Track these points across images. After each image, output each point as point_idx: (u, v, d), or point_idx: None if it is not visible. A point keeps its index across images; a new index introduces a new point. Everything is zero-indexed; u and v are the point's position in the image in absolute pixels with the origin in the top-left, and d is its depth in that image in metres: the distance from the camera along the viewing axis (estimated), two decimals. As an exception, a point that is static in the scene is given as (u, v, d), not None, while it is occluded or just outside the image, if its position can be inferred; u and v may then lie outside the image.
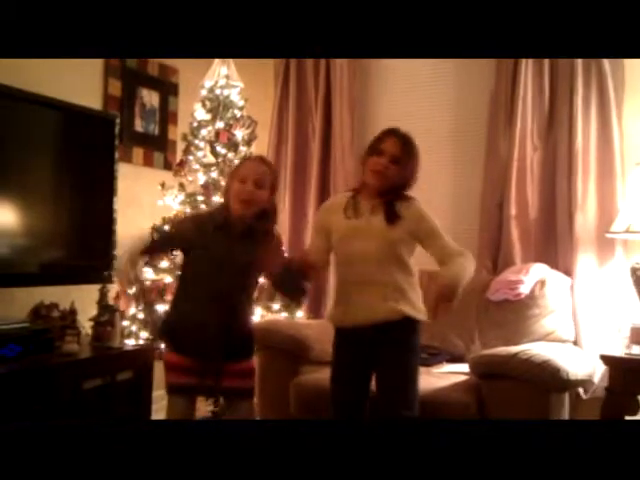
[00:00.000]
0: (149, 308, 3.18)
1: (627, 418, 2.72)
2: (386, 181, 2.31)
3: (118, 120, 3.33)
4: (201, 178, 3.55)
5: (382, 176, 2.31)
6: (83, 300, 3.06)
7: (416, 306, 2.34)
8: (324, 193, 4.05)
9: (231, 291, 2.30)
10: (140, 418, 2.94)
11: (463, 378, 2.89)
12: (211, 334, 2.27)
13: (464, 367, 2.96)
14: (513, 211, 3.48)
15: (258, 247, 2.27)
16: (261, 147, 4.04)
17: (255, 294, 2.51)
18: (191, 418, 2.41)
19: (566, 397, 2.81)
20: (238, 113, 3.67)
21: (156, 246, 2.47)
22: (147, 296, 3.15)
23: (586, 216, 3.31)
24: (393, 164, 2.30)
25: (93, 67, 3.53)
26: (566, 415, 2.81)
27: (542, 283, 3.23)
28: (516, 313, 3.22)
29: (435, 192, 3.75)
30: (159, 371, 2.97)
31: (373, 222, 2.33)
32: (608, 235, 3.10)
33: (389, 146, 2.31)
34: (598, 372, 2.99)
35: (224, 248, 2.26)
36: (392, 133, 2.35)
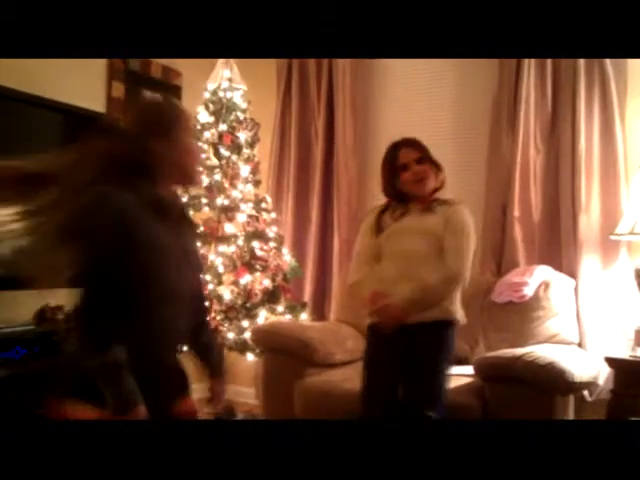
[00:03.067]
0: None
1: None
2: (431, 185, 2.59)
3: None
4: (204, 180, 3.55)
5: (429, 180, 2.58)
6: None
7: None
8: (327, 195, 4.05)
9: None
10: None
11: (467, 380, 2.89)
12: None
13: (468, 369, 2.95)
14: (517, 213, 3.48)
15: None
16: (264, 149, 4.04)
17: None
18: None
19: (571, 399, 2.81)
20: (241, 115, 3.68)
21: None
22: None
23: (590, 218, 3.31)
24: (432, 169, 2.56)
25: (96, 70, 3.53)
26: (571, 417, 2.81)
27: (546, 285, 3.23)
28: (520, 315, 3.22)
29: (438, 194, 3.73)
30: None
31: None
32: (612, 237, 3.10)
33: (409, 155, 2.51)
34: (603, 374, 2.99)
35: None
36: (403, 145, 2.53)
